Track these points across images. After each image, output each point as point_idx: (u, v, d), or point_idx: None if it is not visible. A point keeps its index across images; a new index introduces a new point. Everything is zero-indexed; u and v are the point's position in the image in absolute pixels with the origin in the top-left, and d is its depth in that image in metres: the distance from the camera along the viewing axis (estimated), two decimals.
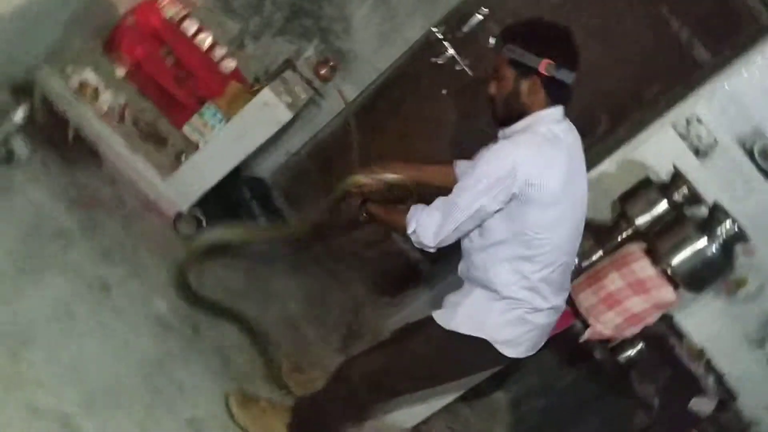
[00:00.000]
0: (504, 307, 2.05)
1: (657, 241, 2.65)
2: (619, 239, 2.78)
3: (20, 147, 2.38)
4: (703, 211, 2.76)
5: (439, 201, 2.03)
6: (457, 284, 2.21)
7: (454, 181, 2.10)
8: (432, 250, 2.07)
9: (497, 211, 1.95)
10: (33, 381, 1.92)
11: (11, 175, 2.35)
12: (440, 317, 2.13)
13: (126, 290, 2.42)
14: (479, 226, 2.02)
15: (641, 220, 2.74)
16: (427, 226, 2.00)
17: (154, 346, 2.35)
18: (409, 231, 2.04)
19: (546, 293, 2.06)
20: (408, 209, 2.08)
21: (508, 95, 2.00)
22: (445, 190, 2.05)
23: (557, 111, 2.02)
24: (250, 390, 2.52)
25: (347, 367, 2.30)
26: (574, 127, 2.09)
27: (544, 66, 1.94)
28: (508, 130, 2.05)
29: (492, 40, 2.16)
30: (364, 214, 2.24)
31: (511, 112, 2.02)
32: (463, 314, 2.09)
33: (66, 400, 1.95)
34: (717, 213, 2.65)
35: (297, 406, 2.45)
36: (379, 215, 2.23)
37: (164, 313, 2.49)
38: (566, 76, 1.98)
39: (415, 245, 2.08)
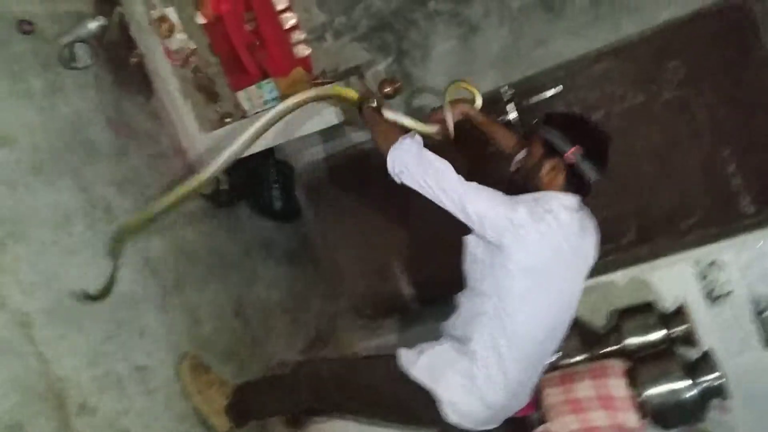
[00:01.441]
0: (465, 365, 2.06)
1: (640, 366, 2.65)
2: (606, 351, 2.77)
3: (83, 54, 2.41)
4: (694, 353, 2.74)
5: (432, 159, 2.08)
6: (433, 335, 2.23)
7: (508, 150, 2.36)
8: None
9: (477, 236, 2.06)
10: (10, 273, 1.95)
11: (65, 77, 2.39)
12: (403, 356, 2.17)
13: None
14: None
15: (632, 341, 2.73)
16: (402, 158, 2.09)
17: (133, 282, 2.37)
18: (390, 149, 2.11)
19: (509, 372, 2.06)
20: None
21: (530, 167, 2.12)
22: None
23: (571, 199, 2.09)
24: (206, 360, 2.52)
25: (302, 364, 2.41)
26: (593, 221, 2.18)
27: (571, 152, 2.05)
28: (521, 197, 2.09)
29: (537, 119, 2.27)
30: (370, 107, 2.33)
31: (528, 187, 2.12)
32: (425, 362, 2.13)
33: (33, 302, 1.98)
34: (706, 361, 2.64)
35: (240, 387, 2.50)
36: (378, 119, 2.30)
37: (155, 256, 2.51)
38: (589, 170, 2.07)
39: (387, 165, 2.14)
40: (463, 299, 2.20)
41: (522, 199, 2.04)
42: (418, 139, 2.15)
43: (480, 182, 2.07)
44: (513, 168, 2.24)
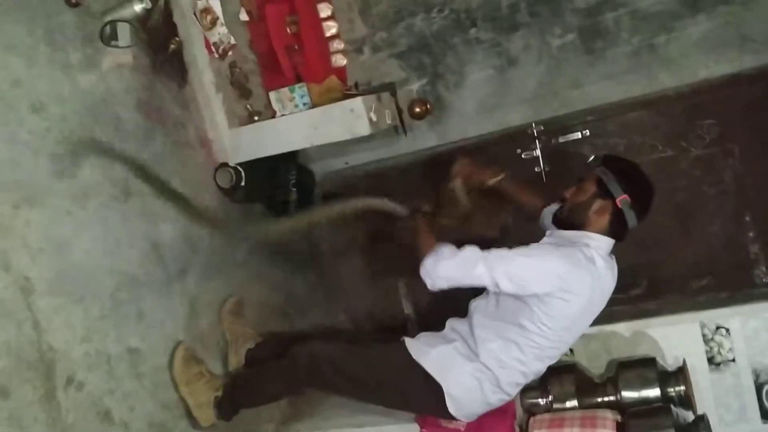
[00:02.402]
0: (472, 370, 2.20)
1: (632, 421, 2.59)
2: (599, 400, 2.72)
3: (124, 34, 2.44)
4: (689, 416, 2.69)
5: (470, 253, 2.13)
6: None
7: (536, 206, 2.54)
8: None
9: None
10: (20, 237, 1.98)
11: (103, 54, 2.43)
12: (412, 346, 2.27)
13: (143, 204, 2.46)
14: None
15: (628, 395, 2.68)
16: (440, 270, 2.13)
17: (138, 265, 2.39)
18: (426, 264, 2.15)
19: (515, 383, 2.24)
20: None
21: (580, 204, 2.19)
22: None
23: (609, 243, 2.20)
24: (198, 352, 2.52)
25: (301, 346, 2.41)
26: (615, 266, 2.25)
27: (622, 199, 2.12)
28: (558, 233, 2.23)
29: (592, 158, 2.39)
30: (417, 216, 2.43)
31: (573, 219, 2.21)
32: (435, 356, 2.24)
33: (37, 269, 2.00)
34: (700, 426, 2.58)
35: (233, 378, 2.54)
36: (421, 230, 2.35)
37: (164, 242, 2.53)
38: (631, 218, 2.16)
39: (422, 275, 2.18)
40: (480, 314, 2.27)
41: (564, 249, 2.11)
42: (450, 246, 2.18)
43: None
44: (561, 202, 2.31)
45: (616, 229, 2.18)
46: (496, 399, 2.27)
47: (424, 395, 2.24)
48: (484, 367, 2.19)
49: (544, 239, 2.27)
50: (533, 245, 2.16)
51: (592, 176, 2.20)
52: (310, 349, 2.39)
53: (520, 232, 2.40)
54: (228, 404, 2.45)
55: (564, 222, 2.25)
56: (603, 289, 2.18)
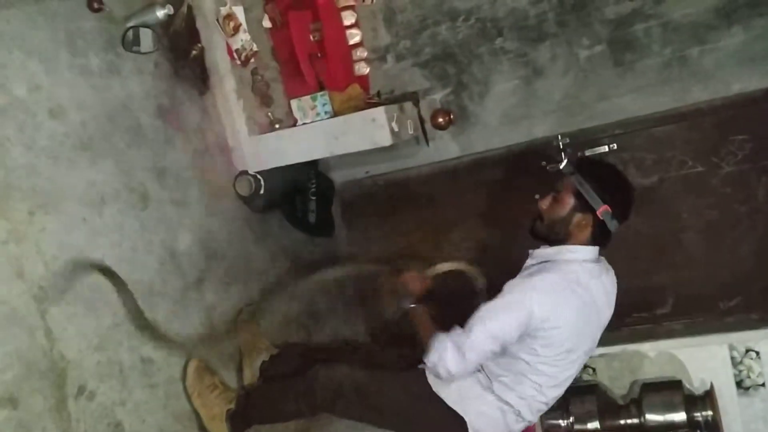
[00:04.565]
0: (494, 401, 2.13)
1: None
2: (622, 423, 2.66)
3: (146, 39, 2.42)
4: None
5: (458, 335, 2.06)
6: None
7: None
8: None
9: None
10: (34, 244, 1.95)
11: (124, 59, 2.41)
12: (432, 378, 2.19)
13: (161, 212, 2.44)
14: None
15: (652, 418, 2.62)
16: (447, 360, 2.05)
17: (155, 273, 2.36)
18: (431, 360, 2.09)
19: (534, 409, 2.16)
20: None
21: (559, 219, 2.12)
22: None
23: (592, 251, 2.12)
24: (213, 363, 2.49)
25: (319, 368, 2.34)
26: (610, 269, 2.20)
27: (602, 211, 2.06)
28: (538, 252, 2.16)
29: (565, 162, 2.21)
30: (411, 306, 2.30)
31: (554, 234, 2.14)
32: (455, 388, 2.16)
33: (51, 277, 1.97)
34: None
35: (247, 393, 2.49)
36: (420, 320, 2.25)
37: (181, 250, 2.50)
38: (613, 226, 2.10)
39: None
40: None
41: (539, 277, 2.04)
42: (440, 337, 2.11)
43: None
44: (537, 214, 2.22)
45: (600, 238, 2.12)
46: (519, 427, 2.20)
47: (446, 426, 2.18)
48: (500, 399, 2.13)
49: (526, 263, 2.20)
50: (506, 288, 2.07)
51: (569, 187, 2.12)
52: (331, 374, 2.32)
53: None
54: (240, 418, 2.41)
55: (543, 236, 2.18)
56: (595, 301, 2.09)
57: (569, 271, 2.05)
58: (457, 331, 2.06)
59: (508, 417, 2.14)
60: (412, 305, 2.29)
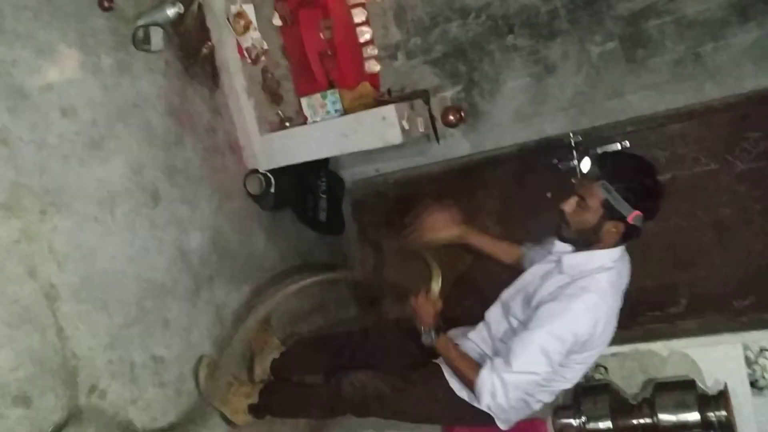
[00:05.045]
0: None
1: None
2: (634, 422, 2.63)
3: (157, 38, 2.43)
4: None
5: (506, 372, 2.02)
6: None
7: (514, 259, 2.38)
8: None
9: None
10: (46, 242, 1.96)
11: (135, 58, 2.41)
12: (454, 382, 2.18)
13: (172, 210, 2.44)
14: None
15: (665, 417, 2.59)
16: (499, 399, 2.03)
17: (166, 272, 2.36)
18: (485, 402, 2.06)
19: (555, 391, 2.19)
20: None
21: (589, 227, 2.02)
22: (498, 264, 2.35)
23: (622, 250, 2.08)
24: (223, 361, 2.49)
25: (344, 380, 2.34)
26: (625, 254, 2.13)
27: (634, 217, 1.97)
28: (569, 262, 2.08)
29: (587, 164, 2.08)
30: (433, 334, 2.21)
31: (583, 240, 2.07)
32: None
33: (63, 275, 1.98)
34: None
35: (270, 388, 2.52)
36: (447, 350, 2.18)
37: (192, 249, 2.50)
38: (642, 226, 2.01)
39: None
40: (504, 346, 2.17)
41: (584, 298, 1.98)
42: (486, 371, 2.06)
43: None
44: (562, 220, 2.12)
45: (629, 238, 2.05)
46: (539, 406, 2.22)
47: (474, 420, 2.19)
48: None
49: (549, 266, 2.16)
50: (545, 315, 2.00)
51: (596, 195, 1.99)
52: (354, 384, 2.32)
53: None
54: (263, 412, 2.48)
55: (571, 242, 2.11)
56: (616, 302, 2.07)
57: (605, 281, 2.01)
58: (499, 366, 2.01)
59: (530, 400, 2.14)
60: (436, 337, 2.20)
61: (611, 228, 1.99)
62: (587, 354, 2.07)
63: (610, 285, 2.02)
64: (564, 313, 1.97)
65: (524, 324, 2.08)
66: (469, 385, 2.08)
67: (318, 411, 2.48)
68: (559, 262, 2.11)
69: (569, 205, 2.05)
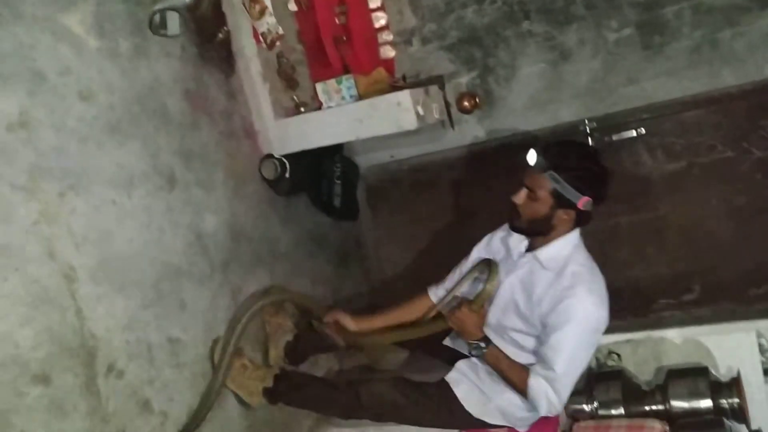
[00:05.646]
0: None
1: None
2: (647, 409, 2.63)
3: (173, 23, 2.44)
4: (741, 430, 2.58)
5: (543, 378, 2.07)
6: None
7: (425, 310, 2.42)
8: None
9: None
10: (65, 225, 1.98)
11: (152, 42, 2.42)
12: (470, 405, 2.24)
13: (188, 194, 2.46)
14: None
15: (677, 404, 2.58)
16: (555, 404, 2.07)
17: (182, 255, 2.39)
18: (542, 408, 2.10)
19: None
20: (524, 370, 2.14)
21: (540, 218, 2.08)
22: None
23: (576, 235, 2.14)
24: (239, 344, 2.51)
25: (362, 389, 2.37)
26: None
27: (584, 203, 2.03)
28: (551, 258, 2.11)
29: (533, 156, 2.07)
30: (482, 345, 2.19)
31: (536, 230, 2.13)
32: (495, 409, 2.24)
33: (82, 257, 2.01)
34: None
35: (285, 376, 2.56)
36: (498, 360, 2.18)
37: (208, 233, 2.52)
38: (593, 209, 2.08)
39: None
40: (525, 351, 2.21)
41: (580, 289, 2.03)
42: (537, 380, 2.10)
43: None
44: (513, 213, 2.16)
45: (581, 223, 2.13)
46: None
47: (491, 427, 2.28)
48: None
49: (516, 257, 2.22)
50: (571, 317, 2.03)
51: (544, 185, 2.03)
52: (374, 392, 2.36)
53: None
54: (277, 398, 2.53)
55: (525, 232, 2.17)
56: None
57: (585, 258, 2.12)
58: (543, 372, 2.07)
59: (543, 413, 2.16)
60: (483, 347, 2.18)
61: (563, 216, 2.06)
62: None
63: (590, 259, 2.13)
64: (577, 307, 2.02)
65: (531, 325, 2.14)
66: (522, 393, 2.12)
67: (334, 413, 2.53)
68: (534, 260, 2.16)
69: (519, 198, 2.10)
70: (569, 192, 2.01)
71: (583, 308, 2.02)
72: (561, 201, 2.03)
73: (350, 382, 2.48)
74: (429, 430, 2.38)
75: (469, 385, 2.28)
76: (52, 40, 2.06)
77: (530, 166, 2.07)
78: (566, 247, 2.11)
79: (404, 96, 2.68)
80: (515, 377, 2.12)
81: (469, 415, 2.24)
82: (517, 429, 2.29)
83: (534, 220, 2.09)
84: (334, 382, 2.62)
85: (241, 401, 2.51)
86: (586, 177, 2.04)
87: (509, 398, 2.21)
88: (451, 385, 2.28)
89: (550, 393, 2.05)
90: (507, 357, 2.16)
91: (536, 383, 2.06)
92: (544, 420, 2.40)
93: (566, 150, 2.10)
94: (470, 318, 2.18)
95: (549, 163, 2.03)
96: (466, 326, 2.18)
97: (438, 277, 2.53)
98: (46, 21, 2.05)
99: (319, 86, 2.94)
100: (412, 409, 2.32)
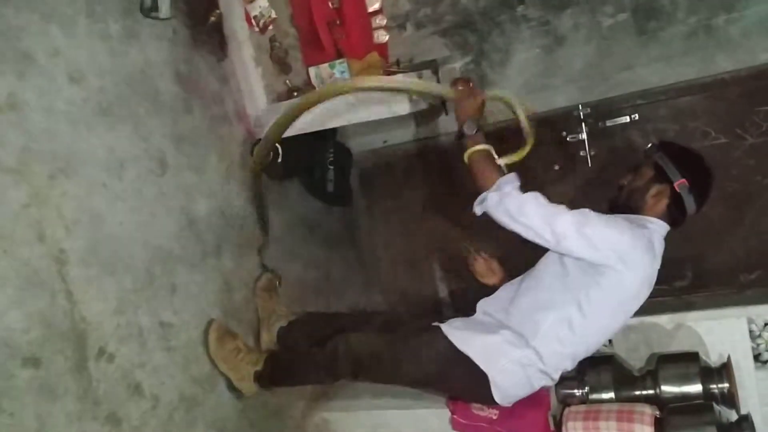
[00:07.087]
0: (519, 358, 2.12)
1: (671, 417, 2.51)
2: (637, 394, 2.64)
3: (165, 5, 2.42)
4: (731, 415, 2.60)
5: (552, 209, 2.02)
6: None
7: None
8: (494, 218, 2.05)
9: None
10: (55, 207, 1.97)
11: (143, 25, 2.40)
12: (453, 335, 2.19)
13: (179, 178, 2.45)
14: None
15: (667, 389, 2.59)
16: (524, 202, 2.00)
17: (174, 239, 2.38)
18: (493, 189, 2.03)
19: (561, 368, 2.19)
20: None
21: (637, 189, 2.17)
22: None
23: (665, 229, 2.15)
24: (232, 327, 2.52)
25: (339, 340, 2.35)
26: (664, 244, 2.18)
27: (680, 183, 2.10)
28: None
29: (649, 146, 2.28)
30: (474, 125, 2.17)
31: (630, 204, 2.18)
32: (479, 345, 2.17)
33: (72, 241, 2.00)
34: (743, 426, 2.49)
35: (273, 356, 2.54)
36: (479, 157, 2.14)
37: (200, 217, 2.51)
38: (690, 204, 2.13)
39: (480, 206, 2.08)
40: (526, 297, 2.20)
41: (633, 228, 2.02)
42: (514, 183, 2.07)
43: None
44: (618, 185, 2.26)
45: (674, 215, 2.16)
46: (540, 384, 2.21)
47: (469, 383, 2.19)
48: (533, 352, 2.11)
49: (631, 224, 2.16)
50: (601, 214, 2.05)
51: (649, 161, 2.18)
52: (349, 343, 2.33)
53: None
54: (267, 381, 2.50)
55: (620, 207, 2.21)
56: (655, 271, 2.11)
57: (649, 235, 2.06)
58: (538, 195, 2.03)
59: (530, 372, 2.14)
60: (472, 130, 2.16)
61: (658, 191, 2.12)
62: (610, 284, 2.03)
63: (653, 246, 2.06)
64: (616, 218, 2.05)
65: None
66: (483, 187, 2.07)
67: (315, 376, 2.47)
68: None
69: (626, 178, 2.23)
70: (669, 168, 2.11)
71: (613, 222, 2.02)
72: (660, 176, 2.13)
73: (330, 336, 2.44)
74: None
75: (458, 325, 2.26)
76: (42, 22, 2.04)
77: (644, 156, 2.21)
78: (640, 220, 2.12)
79: None
80: (488, 169, 2.09)
81: (451, 344, 2.17)
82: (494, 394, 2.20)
83: (630, 192, 2.19)
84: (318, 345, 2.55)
85: (232, 388, 2.49)
86: (690, 162, 2.15)
87: (495, 340, 2.15)
88: (442, 327, 2.25)
89: (515, 198, 2.00)
90: (489, 156, 2.13)
91: (513, 189, 2.02)
92: (535, 404, 2.41)
93: (680, 144, 2.27)
94: (472, 99, 2.22)
95: (660, 148, 2.20)
96: (465, 104, 2.22)
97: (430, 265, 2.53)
98: (36, 2, 2.02)
99: (312, 70, 2.92)
100: (391, 351, 2.27)
